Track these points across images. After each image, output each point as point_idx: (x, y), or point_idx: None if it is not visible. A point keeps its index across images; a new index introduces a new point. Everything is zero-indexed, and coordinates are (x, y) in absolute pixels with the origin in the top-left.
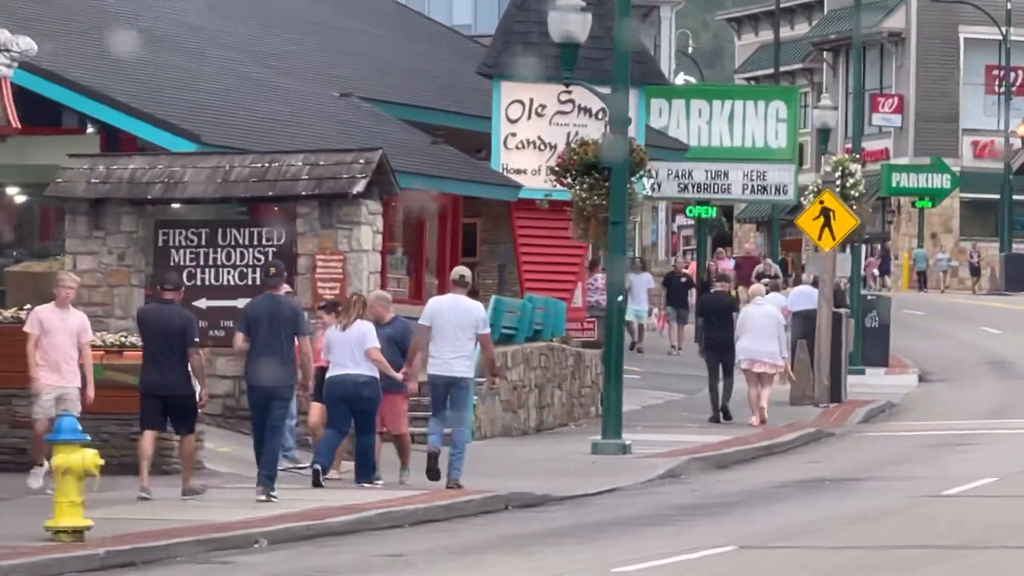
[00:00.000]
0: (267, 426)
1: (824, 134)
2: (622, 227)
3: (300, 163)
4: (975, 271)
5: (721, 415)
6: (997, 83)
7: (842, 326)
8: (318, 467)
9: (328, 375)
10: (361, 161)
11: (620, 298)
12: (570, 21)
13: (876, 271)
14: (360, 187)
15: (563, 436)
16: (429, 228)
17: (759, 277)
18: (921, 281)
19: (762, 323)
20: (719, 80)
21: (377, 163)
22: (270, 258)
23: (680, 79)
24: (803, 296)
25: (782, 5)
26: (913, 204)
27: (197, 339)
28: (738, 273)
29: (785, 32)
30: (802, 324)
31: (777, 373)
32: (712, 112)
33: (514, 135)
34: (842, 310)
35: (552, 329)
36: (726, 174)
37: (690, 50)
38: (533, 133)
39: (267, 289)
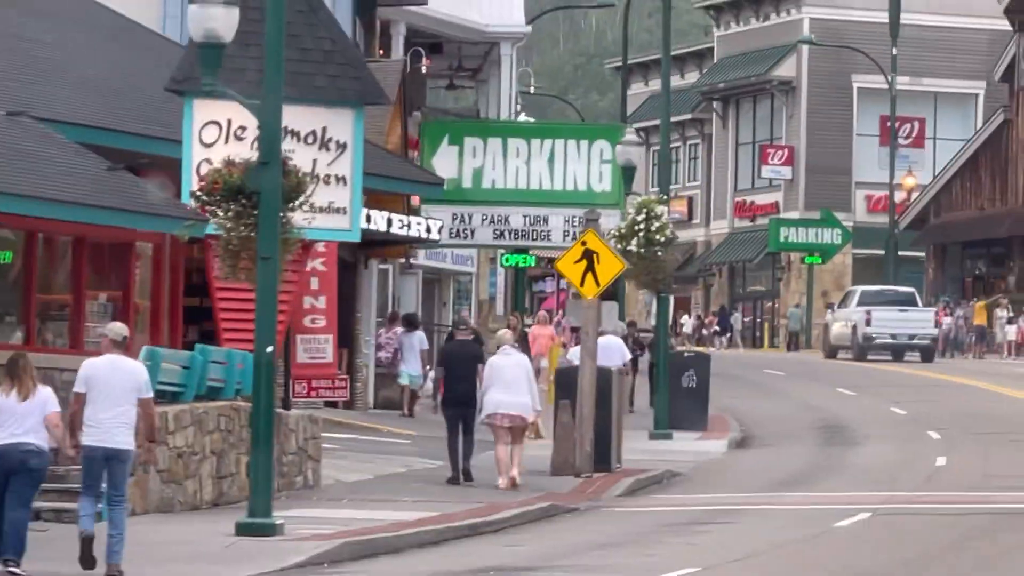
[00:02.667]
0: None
1: (629, 172)
2: (273, 263)
3: None
4: None
5: (463, 476)
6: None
7: (612, 384)
8: None
9: None
10: None
11: (270, 349)
12: (213, 17)
13: (716, 327)
14: None
15: (240, 511)
16: (140, 272)
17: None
18: (793, 342)
19: (512, 373)
20: None
21: None
22: None
23: (522, 118)
24: (601, 349)
25: (673, 53)
26: (803, 260)
27: None
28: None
29: (676, 81)
30: (564, 382)
31: (527, 428)
32: (531, 151)
33: (209, 161)
34: (613, 366)
35: (237, 386)
36: (546, 219)
37: (532, 90)
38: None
39: None
